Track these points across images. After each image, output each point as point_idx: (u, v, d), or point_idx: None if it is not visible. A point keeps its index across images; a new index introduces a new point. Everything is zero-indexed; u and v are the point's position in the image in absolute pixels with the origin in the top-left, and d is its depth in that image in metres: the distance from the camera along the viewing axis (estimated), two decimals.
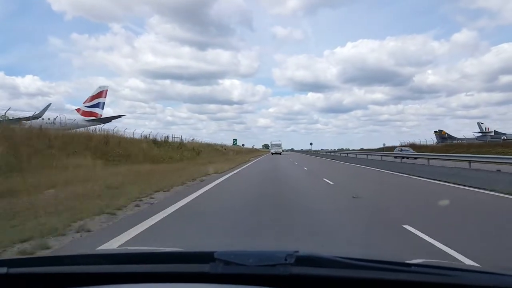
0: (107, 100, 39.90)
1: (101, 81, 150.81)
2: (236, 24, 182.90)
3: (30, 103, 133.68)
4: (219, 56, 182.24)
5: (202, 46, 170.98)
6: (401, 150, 40.70)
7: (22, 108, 32.63)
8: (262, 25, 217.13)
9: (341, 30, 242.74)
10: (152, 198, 9.32)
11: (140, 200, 8.67)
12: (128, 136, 31.54)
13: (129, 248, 3.85)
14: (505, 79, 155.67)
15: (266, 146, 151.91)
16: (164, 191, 10.62)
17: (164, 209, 7.53)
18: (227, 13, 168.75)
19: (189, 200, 9.09)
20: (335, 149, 78.85)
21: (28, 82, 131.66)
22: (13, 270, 1.20)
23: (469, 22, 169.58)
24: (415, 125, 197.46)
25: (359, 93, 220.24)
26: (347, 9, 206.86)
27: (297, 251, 1.16)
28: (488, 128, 63.26)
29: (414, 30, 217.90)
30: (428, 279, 1.10)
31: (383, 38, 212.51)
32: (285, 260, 1.11)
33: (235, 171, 21.07)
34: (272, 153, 70.05)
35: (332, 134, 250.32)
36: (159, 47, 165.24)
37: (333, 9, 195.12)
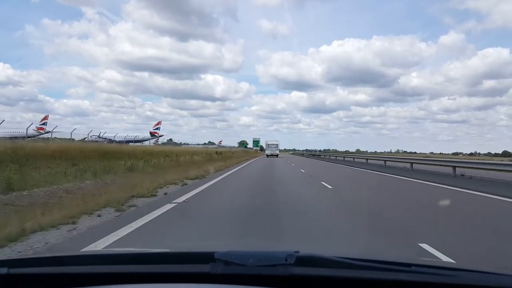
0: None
1: (75, 71, 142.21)
2: (219, 13, 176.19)
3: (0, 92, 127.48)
4: (202, 49, 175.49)
5: (183, 37, 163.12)
6: None
7: None
8: (247, 17, 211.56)
9: (327, 27, 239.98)
10: None
11: None
12: None
13: (129, 248, 3.85)
14: (488, 84, 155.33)
15: (242, 144, 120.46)
16: None
17: None
18: (210, 1, 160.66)
19: None
20: (320, 150, 73.54)
21: None
22: (14, 271, 1.20)
23: (457, 24, 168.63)
24: (395, 127, 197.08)
25: (342, 94, 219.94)
26: (335, 5, 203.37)
27: (298, 251, 1.16)
28: None
29: (402, 30, 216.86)
30: (428, 279, 1.10)
31: (369, 38, 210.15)
32: (286, 260, 1.11)
33: None
34: (268, 155, 61.98)
35: (313, 135, 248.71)
36: (136, 36, 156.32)
37: (321, 2, 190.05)
